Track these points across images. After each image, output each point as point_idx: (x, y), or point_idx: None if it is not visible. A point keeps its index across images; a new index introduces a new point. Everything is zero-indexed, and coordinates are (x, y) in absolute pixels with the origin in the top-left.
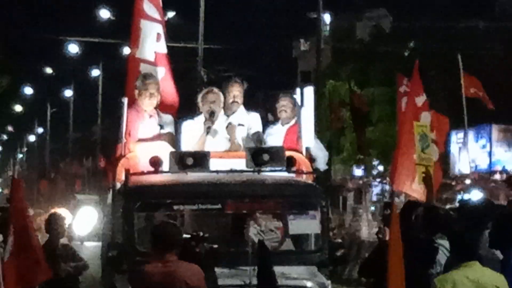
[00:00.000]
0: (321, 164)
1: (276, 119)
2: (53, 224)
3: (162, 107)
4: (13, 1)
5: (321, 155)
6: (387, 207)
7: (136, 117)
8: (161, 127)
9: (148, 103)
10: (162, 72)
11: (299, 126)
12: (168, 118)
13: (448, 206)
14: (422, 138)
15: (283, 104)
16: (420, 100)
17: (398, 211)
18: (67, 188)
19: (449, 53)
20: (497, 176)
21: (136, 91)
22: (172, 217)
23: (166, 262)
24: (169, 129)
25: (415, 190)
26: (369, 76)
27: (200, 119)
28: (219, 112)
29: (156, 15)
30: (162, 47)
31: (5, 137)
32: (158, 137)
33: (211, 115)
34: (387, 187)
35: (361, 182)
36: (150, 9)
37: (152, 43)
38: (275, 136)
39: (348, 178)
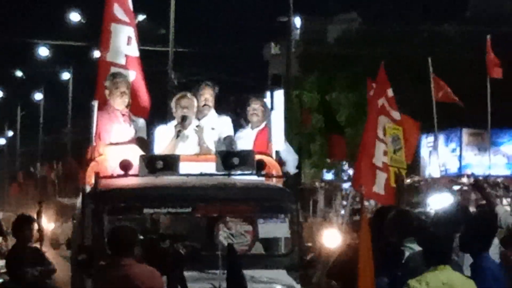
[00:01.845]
0: (291, 168)
1: (246, 123)
2: (20, 227)
3: (133, 110)
4: None
5: (291, 159)
6: (356, 212)
7: (107, 120)
8: (134, 131)
9: (119, 102)
10: (133, 76)
11: (269, 130)
12: (140, 121)
13: (418, 210)
14: (395, 140)
15: (254, 107)
16: (380, 103)
17: (368, 215)
18: (38, 192)
19: (420, 57)
20: (464, 180)
21: (107, 91)
22: (141, 220)
23: (122, 266)
24: (141, 133)
25: (375, 193)
26: (337, 81)
27: (173, 124)
28: (192, 117)
29: (126, 19)
30: (133, 51)
31: None
32: (129, 140)
33: (184, 119)
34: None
35: (331, 186)
36: (120, 12)
37: (122, 46)
38: (245, 140)
39: (318, 181)
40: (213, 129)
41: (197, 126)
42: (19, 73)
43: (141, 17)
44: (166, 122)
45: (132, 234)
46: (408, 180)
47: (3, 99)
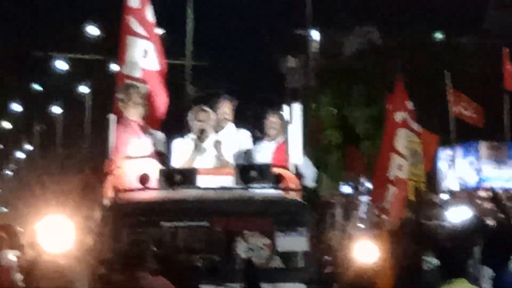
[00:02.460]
0: (310, 181)
1: (264, 136)
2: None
3: (151, 123)
4: (4, 20)
5: (310, 172)
6: (375, 226)
7: (124, 133)
8: (152, 144)
9: (134, 112)
10: (149, 88)
11: (288, 143)
12: (158, 134)
13: (435, 223)
14: (414, 154)
15: (272, 120)
16: (399, 116)
17: (386, 228)
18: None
19: (437, 69)
20: (482, 193)
21: (121, 103)
22: (160, 233)
23: (136, 279)
24: (160, 146)
25: (385, 206)
26: (354, 95)
27: (190, 137)
28: (209, 130)
29: (144, 32)
30: (150, 64)
31: None
32: (147, 154)
33: (201, 133)
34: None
35: (348, 199)
36: (136, 25)
37: (139, 59)
38: (263, 153)
39: (335, 194)
40: (231, 142)
41: (216, 141)
42: (37, 87)
43: (159, 31)
44: (183, 135)
45: (145, 247)
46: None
47: (21, 113)
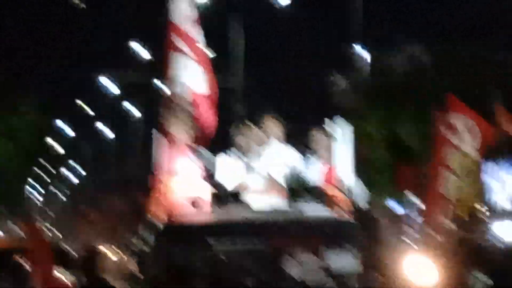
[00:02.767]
0: (361, 201)
1: (313, 155)
2: (91, 263)
3: (199, 141)
4: (46, 38)
5: (360, 192)
6: (428, 246)
7: (171, 151)
8: (199, 162)
9: (180, 131)
10: (198, 109)
11: (338, 162)
12: (206, 153)
13: (489, 242)
14: (466, 171)
15: (318, 139)
16: (452, 135)
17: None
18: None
19: (487, 88)
20: None
21: (167, 122)
22: (212, 255)
23: None
24: (208, 164)
25: (443, 225)
26: (403, 113)
27: (235, 155)
28: (255, 148)
29: (191, 54)
30: (199, 87)
31: (44, 175)
32: (195, 172)
33: (249, 151)
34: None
35: (400, 218)
36: (184, 47)
37: (188, 81)
38: (313, 173)
39: (387, 214)
40: (280, 161)
41: (265, 160)
42: (87, 108)
43: (209, 54)
44: (228, 153)
45: (198, 269)
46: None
47: (72, 136)
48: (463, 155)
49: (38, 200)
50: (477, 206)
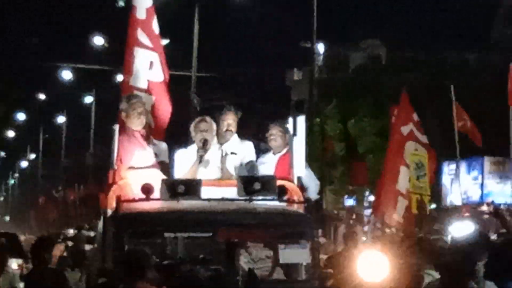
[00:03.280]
0: (313, 193)
1: (268, 148)
2: (39, 250)
3: (155, 134)
4: (6, 28)
5: (313, 185)
6: (378, 240)
7: (128, 143)
8: (156, 154)
9: (137, 123)
10: (155, 100)
11: (291, 155)
12: (162, 145)
13: (437, 237)
14: (419, 167)
15: (272, 133)
16: (406, 129)
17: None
18: (58, 215)
19: (442, 84)
20: (484, 208)
21: (123, 114)
22: (162, 244)
23: None
24: (163, 156)
25: (394, 220)
26: (359, 108)
27: (192, 148)
28: (211, 140)
29: (150, 43)
30: (155, 75)
31: None
32: (151, 164)
33: (204, 143)
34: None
35: (351, 212)
36: (143, 37)
37: (145, 71)
38: (266, 165)
39: (338, 208)
40: (234, 154)
41: (220, 153)
42: (42, 96)
43: (164, 42)
44: (186, 146)
45: (145, 257)
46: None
47: (26, 122)
48: (416, 151)
49: None
50: (427, 200)
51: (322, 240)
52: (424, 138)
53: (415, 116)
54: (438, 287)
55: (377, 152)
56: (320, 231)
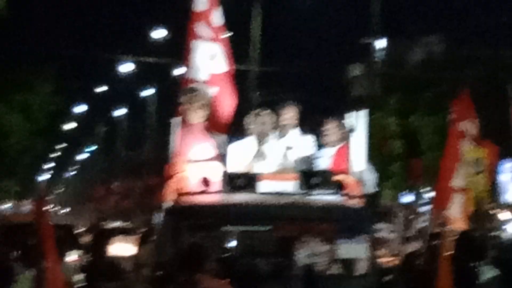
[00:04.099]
0: (371, 187)
1: (327, 143)
2: (98, 242)
3: (214, 127)
4: (67, 21)
5: (371, 178)
6: (434, 238)
7: (187, 136)
8: (216, 147)
9: (197, 116)
10: (216, 92)
11: (349, 150)
12: (221, 138)
13: (495, 234)
14: (477, 163)
15: (328, 128)
16: (464, 125)
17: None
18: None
19: (500, 82)
20: None
21: (184, 106)
22: (220, 237)
23: (195, 282)
24: (222, 149)
25: (450, 216)
26: (419, 104)
27: (249, 141)
28: (269, 133)
29: (211, 35)
30: (217, 67)
31: (56, 154)
32: (210, 157)
33: (262, 136)
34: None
35: (409, 208)
36: (203, 29)
37: (205, 63)
38: (322, 159)
39: (397, 204)
40: (295, 148)
41: (281, 146)
42: (102, 89)
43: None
44: (242, 138)
45: (204, 250)
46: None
47: (86, 114)
48: (475, 148)
49: (51, 178)
50: (488, 199)
51: (391, 235)
52: (479, 135)
53: (474, 113)
54: (496, 285)
55: (436, 149)
56: (390, 225)
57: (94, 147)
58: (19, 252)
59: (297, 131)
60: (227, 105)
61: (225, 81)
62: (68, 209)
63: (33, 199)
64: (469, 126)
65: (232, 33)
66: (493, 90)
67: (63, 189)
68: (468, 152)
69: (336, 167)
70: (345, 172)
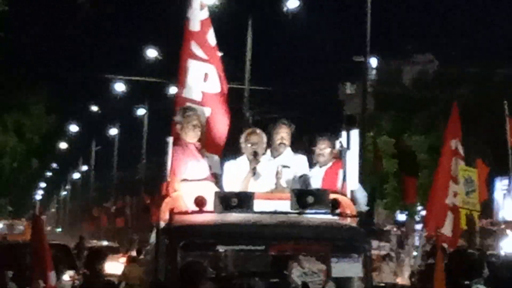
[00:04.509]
0: (363, 206)
1: (320, 162)
2: (92, 261)
3: (208, 147)
4: (60, 41)
5: (362, 197)
6: (429, 255)
7: (181, 156)
8: (209, 167)
9: (192, 135)
10: (209, 112)
11: (344, 169)
12: (214, 158)
13: (489, 252)
14: (468, 182)
15: (321, 147)
16: (454, 143)
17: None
18: (109, 226)
19: (495, 99)
20: None
21: (178, 126)
22: (215, 257)
23: None
24: (216, 169)
25: (443, 234)
26: (411, 124)
27: (242, 160)
28: (261, 153)
29: (204, 56)
30: (211, 87)
31: (49, 174)
32: (204, 177)
33: (255, 156)
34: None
35: (403, 227)
36: (197, 49)
37: (199, 83)
38: (314, 178)
39: (390, 222)
40: (287, 167)
41: (283, 166)
42: (94, 108)
43: (219, 53)
44: (235, 158)
45: (200, 270)
46: (481, 223)
47: (78, 134)
48: (465, 166)
49: (44, 197)
50: (476, 216)
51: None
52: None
53: (459, 132)
54: None
55: (430, 167)
56: (395, 245)
57: (86, 167)
58: (14, 271)
59: (289, 150)
60: (220, 125)
61: (218, 102)
62: (60, 229)
63: (30, 218)
64: (459, 145)
65: (223, 53)
66: (487, 107)
67: (54, 209)
68: (458, 171)
69: (325, 186)
70: (340, 191)
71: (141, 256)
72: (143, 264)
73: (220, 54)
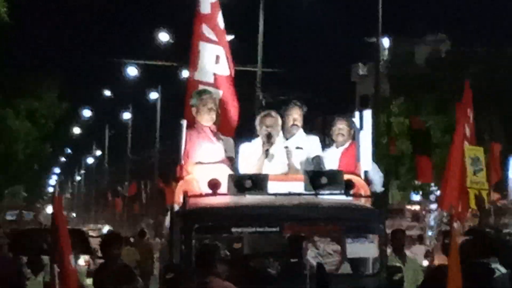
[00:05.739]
0: (378, 187)
1: (332, 142)
2: (108, 246)
3: (222, 129)
4: (73, 25)
5: (378, 177)
6: (445, 235)
7: (196, 138)
8: (224, 150)
9: (207, 118)
10: (221, 94)
11: (358, 149)
12: (228, 141)
13: (505, 231)
14: (475, 161)
15: (340, 127)
16: (465, 124)
17: (457, 237)
18: (124, 210)
19: (507, 79)
20: None
21: (194, 109)
22: (229, 239)
23: (205, 284)
24: (230, 152)
25: (461, 213)
26: (424, 104)
27: (257, 142)
28: (276, 135)
29: (215, 38)
30: (222, 69)
31: (63, 159)
32: (218, 159)
33: (269, 138)
34: (445, 213)
35: (418, 207)
36: (208, 31)
37: (211, 65)
38: (330, 159)
39: (405, 203)
40: (300, 148)
41: (285, 147)
42: (107, 93)
43: (229, 37)
44: (250, 140)
45: (215, 252)
46: (497, 202)
47: (91, 119)
48: (472, 147)
49: (58, 183)
50: (485, 195)
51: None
52: (471, 134)
53: (470, 113)
54: (508, 282)
55: (444, 147)
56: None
57: (100, 152)
58: (29, 257)
59: (302, 131)
60: (232, 107)
61: (229, 84)
62: (74, 214)
63: (52, 199)
64: (468, 125)
65: (234, 36)
66: (499, 87)
67: (68, 194)
68: (465, 151)
69: (342, 167)
70: (353, 172)
71: (145, 238)
72: (142, 247)
73: (230, 37)
